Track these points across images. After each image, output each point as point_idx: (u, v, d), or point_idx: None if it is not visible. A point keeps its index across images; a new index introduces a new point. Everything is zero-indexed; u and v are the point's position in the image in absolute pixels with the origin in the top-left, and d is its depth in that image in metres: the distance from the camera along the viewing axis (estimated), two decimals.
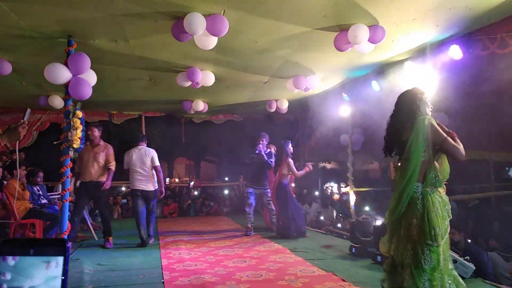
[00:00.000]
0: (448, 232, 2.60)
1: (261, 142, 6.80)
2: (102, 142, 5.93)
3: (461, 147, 2.58)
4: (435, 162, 2.60)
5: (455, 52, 4.42)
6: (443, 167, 2.64)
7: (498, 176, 12.24)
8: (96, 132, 5.84)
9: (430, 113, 2.76)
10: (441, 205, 2.59)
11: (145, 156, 6.02)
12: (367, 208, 7.68)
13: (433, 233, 2.51)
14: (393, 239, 2.74)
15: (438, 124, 2.65)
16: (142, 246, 5.72)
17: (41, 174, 6.34)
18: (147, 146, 6.20)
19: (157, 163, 6.08)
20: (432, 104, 2.84)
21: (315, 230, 7.17)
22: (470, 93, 5.65)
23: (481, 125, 6.81)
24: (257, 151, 6.74)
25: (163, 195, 6.32)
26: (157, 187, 6.10)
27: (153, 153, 6.09)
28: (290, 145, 6.81)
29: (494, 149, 9.89)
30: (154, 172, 6.07)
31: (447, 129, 2.70)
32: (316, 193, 10.26)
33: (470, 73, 4.74)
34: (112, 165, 5.80)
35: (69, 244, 4.70)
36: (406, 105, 2.76)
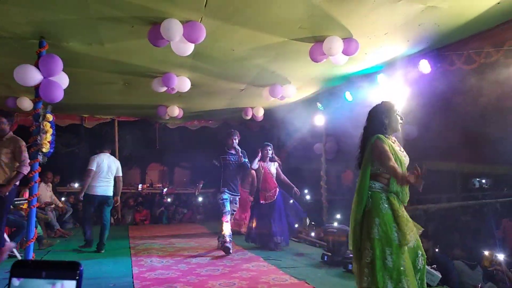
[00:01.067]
0: (413, 238, 2.68)
1: (234, 140, 6.03)
2: (9, 135, 4.62)
3: (395, 170, 2.61)
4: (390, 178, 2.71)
5: (424, 66, 4.60)
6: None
7: (464, 186, 12.72)
8: (3, 124, 4.56)
9: (399, 127, 2.89)
10: (404, 212, 2.69)
11: (113, 163, 6.21)
12: (338, 216, 7.79)
13: (397, 235, 2.60)
14: (356, 238, 2.82)
15: (390, 144, 2.76)
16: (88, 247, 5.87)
17: None
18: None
19: (121, 172, 6.34)
20: (403, 116, 2.95)
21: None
22: (438, 107, 5.87)
23: (448, 137, 7.07)
24: (232, 151, 6.00)
25: (118, 204, 6.53)
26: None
27: (118, 163, 6.37)
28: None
29: (460, 160, 10.29)
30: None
31: (402, 153, 2.83)
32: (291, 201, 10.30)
33: (438, 87, 4.93)
34: (23, 168, 4.41)
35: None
36: (373, 121, 2.88)
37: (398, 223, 2.63)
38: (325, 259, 5.04)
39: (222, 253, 5.62)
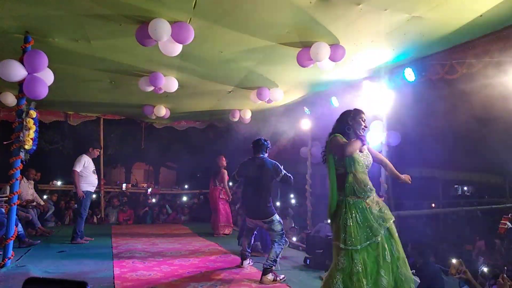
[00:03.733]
0: (372, 241, 2.83)
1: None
2: None
3: (348, 146, 2.87)
4: (351, 173, 2.94)
5: (409, 74, 4.69)
6: (359, 178, 2.94)
7: (446, 193, 12.96)
8: None
9: (363, 132, 3.12)
10: (362, 213, 2.87)
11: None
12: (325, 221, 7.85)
13: (346, 237, 2.80)
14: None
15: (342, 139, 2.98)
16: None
17: None
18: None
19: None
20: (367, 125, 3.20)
21: None
22: (421, 114, 5.99)
23: (431, 144, 7.21)
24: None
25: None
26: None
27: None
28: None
29: (443, 167, 10.50)
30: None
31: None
32: (278, 203, 10.35)
33: (422, 96, 5.03)
34: None
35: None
36: (338, 123, 3.15)
37: (348, 228, 2.84)
38: (307, 262, 5.07)
39: (205, 255, 5.62)
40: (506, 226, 4.08)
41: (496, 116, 5.13)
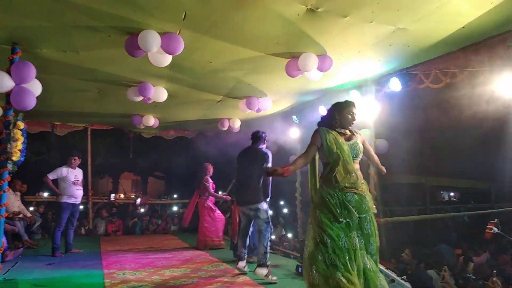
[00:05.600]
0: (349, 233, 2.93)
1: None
2: None
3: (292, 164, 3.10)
4: (333, 163, 3.02)
5: (395, 84, 4.79)
6: (343, 167, 3.02)
7: (433, 199, 13.15)
8: None
9: (350, 126, 3.19)
10: (333, 200, 2.96)
11: None
12: None
13: (321, 225, 2.91)
14: None
15: (333, 136, 3.08)
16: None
17: None
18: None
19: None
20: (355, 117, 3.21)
21: None
22: (408, 122, 6.10)
23: (417, 152, 7.34)
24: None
25: None
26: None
27: None
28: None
29: (429, 174, 10.67)
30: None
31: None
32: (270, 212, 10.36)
33: (407, 105, 5.14)
34: None
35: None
36: (327, 116, 3.25)
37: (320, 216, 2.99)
38: (299, 270, 5.08)
39: (196, 264, 5.59)
40: (492, 231, 4.18)
41: (480, 123, 5.26)
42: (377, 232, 3.07)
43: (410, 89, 4.72)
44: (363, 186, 3.08)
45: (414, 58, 4.51)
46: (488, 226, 4.37)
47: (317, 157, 3.25)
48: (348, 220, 2.94)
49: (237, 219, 6.02)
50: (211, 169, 7.17)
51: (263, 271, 4.44)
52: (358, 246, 2.91)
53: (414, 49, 4.24)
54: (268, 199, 4.75)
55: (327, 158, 3.06)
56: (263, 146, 4.93)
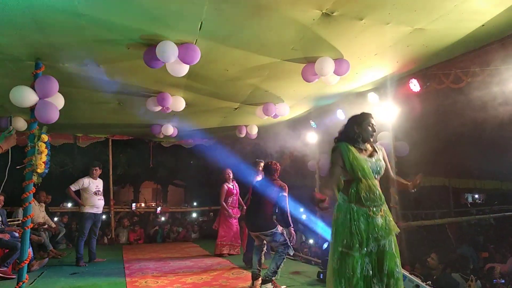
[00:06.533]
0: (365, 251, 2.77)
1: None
2: None
3: (324, 188, 2.92)
4: (357, 181, 2.87)
5: (414, 85, 4.71)
6: (365, 185, 2.86)
7: (457, 202, 12.82)
8: None
9: (372, 138, 3.05)
10: (364, 222, 2.81)
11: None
12: None
13: (344, 241, 2.80)
14: None
15: (353, 152, 2.92)
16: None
17: (1, 198, 6.04)
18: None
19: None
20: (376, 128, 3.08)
21: None
22: (428, 124, 5.99)
23: (439, 153, 7.18)
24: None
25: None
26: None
27: None
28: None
29: (452, 176, 10.40)
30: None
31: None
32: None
33: (428, 105, 5.04)
34: None
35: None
36: (346, 130, 3.09)
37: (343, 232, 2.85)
38: (321, 277, 5.02)
39: (218, 272, 5.60)
40: None
41: (503, 122, 5.11)
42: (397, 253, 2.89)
43: (430, 90, 4.64)
44: (385, 207, 2.94)
45: (433, 58, 4.43)
46: None
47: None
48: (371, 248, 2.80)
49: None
50: (228, 174, 7.20)
51: (268, 285, 4.47)
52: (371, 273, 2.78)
53: (433, 49, 4.17)
54: (291, 227, 4.75)
55: (350, 175, 2.90)
56: (277, 177, 4.96)
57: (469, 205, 16.13)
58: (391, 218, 2.94)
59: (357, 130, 3.01)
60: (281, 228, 4.69)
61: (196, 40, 3.86)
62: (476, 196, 18.10)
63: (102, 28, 3.59)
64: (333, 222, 2.97)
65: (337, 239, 2.86)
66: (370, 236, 2.78)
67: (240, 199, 7.31)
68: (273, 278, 4.54)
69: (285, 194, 4.73)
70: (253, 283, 4.74)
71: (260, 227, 4.72)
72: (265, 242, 4.88)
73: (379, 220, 2.84)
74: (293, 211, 6.12)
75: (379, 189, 2.93)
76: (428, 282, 4.18)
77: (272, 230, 4.63)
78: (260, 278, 4.74)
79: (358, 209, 2.84)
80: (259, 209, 4.77)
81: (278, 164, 5.04)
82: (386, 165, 3.07)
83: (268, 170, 4.98)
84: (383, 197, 2.93)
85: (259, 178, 5.75)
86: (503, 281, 4.97)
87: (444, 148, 7.39)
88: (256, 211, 4.82)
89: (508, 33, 3.74)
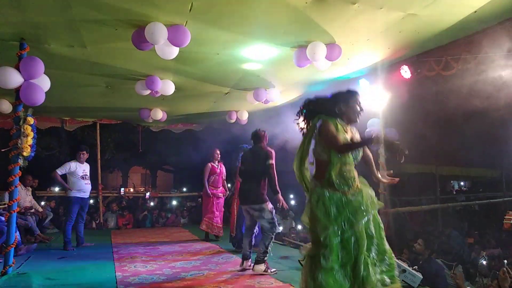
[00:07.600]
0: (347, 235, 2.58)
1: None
2: None
3: (347, 148, 2.65)
4: (335, 164, 2.62)
5: (405, 72, 4.72)
6: (344, 170, 2.65)
7: (443, 189, 13.02)
8: None
9: (358, 118, 2.81)
10: (338, 207, 2.61)
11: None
12: None
13: (319, 229, 2.61)
14: None
15: (338, 128, 2.66)
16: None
17: None
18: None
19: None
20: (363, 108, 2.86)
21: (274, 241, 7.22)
22: (418, 111, 6.02)
23: (427, 140, 7.24)
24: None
25: None
26: None
27: None
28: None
29: (439, 163, 10.54)
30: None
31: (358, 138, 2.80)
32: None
33: (418, 92, 5.06)
34: None
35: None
36: (330, 105, 2.80)
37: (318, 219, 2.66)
38: None
39: (207, 256, 5.63)
40: (511, 221, 4.10)
41: (491, 109, 5.17)
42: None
43: (420, 77, 4.65)
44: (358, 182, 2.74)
45: (424, 44, 4.43)
46: (506, 217, 4.28)
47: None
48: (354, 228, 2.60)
49: (235, 211, 6.15)
50: (216, 153, 7.13)
51: (261, 267, 4.50)
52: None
53: (425, 36, 4.16)
54: (279, 194, 4.70)
55: (331, 158, 2.63)
56: (265, 144, 4.89)
57: (454, 192, 16.43)
58: (369, 195, 2.73)
59: (343, 108, 2.75)
60: (271, 206, 4.66)
61: (186, 22, 3.78)
62: (462, 183, 18.43)
63: (89, 8, 3.49)
64: (308, 206, 2.80)
65: (313, 225, 2.71)
66: (344, 221, 2.60)
67: (225, 181, 7.29)
68: (265, 258, 4.56)
69: (272, 161, 4.69)
70: (242, 263, 4.77)
71: (249, 200, 4.71)
72: (256, 225, 4.87)
73: (355, 198, 2.65)
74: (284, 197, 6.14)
75: (354, 173, 2.74)
76: (414, 267, 4.25)
77: (261, 205, 4.60)
78: (249, 259, 4.77)
79: (331, 195, 2.64)
80: (251, 181, 4.71)
81: (265, 132, 4.98)
82: (364, 149, 2.89)
83: (256, 137, 4.91)
84: (356, 177, 2.73)
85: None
86: (485, 261, 5.04)
87: (432, 135, 7.46)
88: (248, 183, 4.77)
89: (500, 19, 3.75)
